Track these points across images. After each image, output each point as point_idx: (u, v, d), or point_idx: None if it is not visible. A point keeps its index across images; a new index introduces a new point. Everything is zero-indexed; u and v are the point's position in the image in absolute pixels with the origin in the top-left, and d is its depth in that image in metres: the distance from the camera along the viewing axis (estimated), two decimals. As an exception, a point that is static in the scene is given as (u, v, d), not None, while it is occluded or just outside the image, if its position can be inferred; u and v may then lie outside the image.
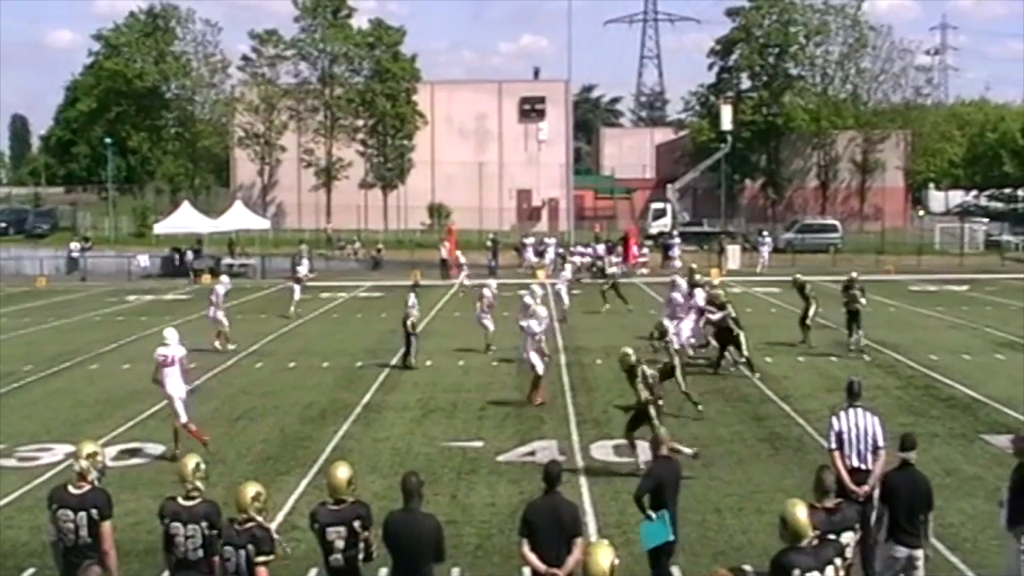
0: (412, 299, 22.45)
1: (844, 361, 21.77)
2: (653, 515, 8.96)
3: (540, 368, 17.92)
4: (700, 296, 21.83)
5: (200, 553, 7.71)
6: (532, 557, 7.90)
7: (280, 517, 11.55)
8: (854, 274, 23.36)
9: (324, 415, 17.57)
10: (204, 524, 7.71)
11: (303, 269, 35.77)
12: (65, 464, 10.72)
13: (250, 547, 7.32)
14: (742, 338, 20.21)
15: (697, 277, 23.86)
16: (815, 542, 6.98)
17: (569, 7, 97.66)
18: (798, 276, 25.46)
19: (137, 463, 14.58)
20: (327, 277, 44.28)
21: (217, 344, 24.45)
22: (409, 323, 22.03)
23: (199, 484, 7.87)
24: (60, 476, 11.78)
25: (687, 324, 21.69)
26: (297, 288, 32.40)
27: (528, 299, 19.97)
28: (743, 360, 20.30)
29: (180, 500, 7.81)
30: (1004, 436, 15.32)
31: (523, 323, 18.45)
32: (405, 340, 22.12)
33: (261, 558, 7.33)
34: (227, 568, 7.43)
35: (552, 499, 8.09)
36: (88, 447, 8.27)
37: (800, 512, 6.96)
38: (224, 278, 28.01)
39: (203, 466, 8.04)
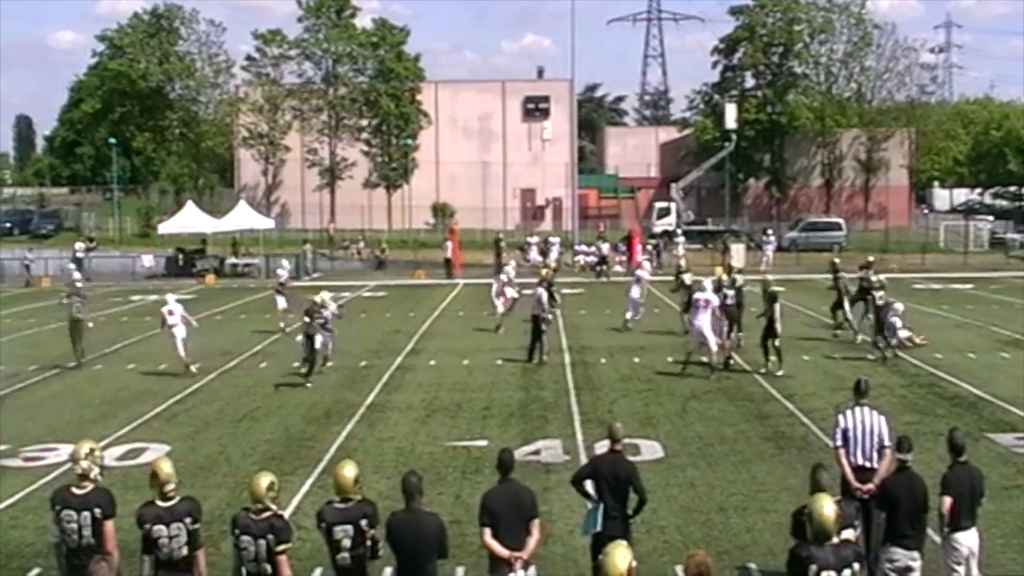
0: (544, 295, 22.56)
1: (848, 360, 21.77)
2: (589, 504, 8.98)
3: None
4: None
5: (184, 551, 7.77)
6: (495, 545, 8.05)
7: (285, 516, 11.51)
8: (871, 260, 25.60)
9: (328, 415, 17.57)
10: (188, 520, 7.80)
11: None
12: (69, 465, 10.73)
13: (270, 537, 7.45)
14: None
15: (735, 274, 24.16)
16: (836, 541, 6.86)
17: (572, 6, 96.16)
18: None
19: (141, 463, 14.52)
20: (331, 277, 44.28)
21: None
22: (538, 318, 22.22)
23: (174, 483, 7.95)
24: (65, 476, 11.78)
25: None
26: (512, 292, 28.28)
27: None
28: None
29: (158, 502, 7.86)
30: (1009, 435, 15.35)
31: None
32: (534, 335, 22.17)
33: (282, 547, 7.48)
34: (244, 557, 7.52)
35: (510, 486, 8.29)
36: (86, 445, 8.30)
37: (827, 508, 6.77)
38: None
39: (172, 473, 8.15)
